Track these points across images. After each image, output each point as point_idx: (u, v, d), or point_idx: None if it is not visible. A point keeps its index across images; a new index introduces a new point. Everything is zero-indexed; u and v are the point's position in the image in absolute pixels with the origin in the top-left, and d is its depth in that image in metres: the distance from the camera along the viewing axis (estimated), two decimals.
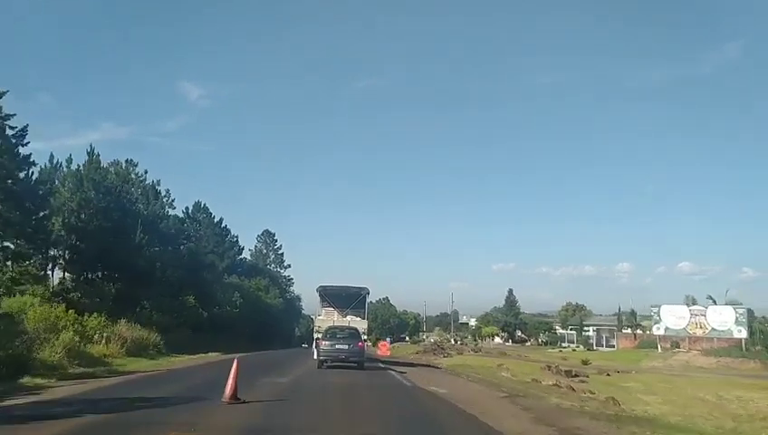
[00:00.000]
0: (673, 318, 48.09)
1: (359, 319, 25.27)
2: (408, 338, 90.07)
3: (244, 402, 9.03)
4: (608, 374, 26.75)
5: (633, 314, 60.86)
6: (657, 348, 47.30)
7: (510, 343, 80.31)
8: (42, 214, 29.75)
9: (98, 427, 7.31)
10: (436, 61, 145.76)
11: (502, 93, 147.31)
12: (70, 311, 22.03)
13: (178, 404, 8.84)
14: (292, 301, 76.08)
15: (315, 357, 22.06)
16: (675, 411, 13.59)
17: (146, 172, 42.04)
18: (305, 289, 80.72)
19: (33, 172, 29.30)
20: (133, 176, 42.24)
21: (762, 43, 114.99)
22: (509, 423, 8.56)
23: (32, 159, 28.11)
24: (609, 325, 66.90)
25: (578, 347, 59.46)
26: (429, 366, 29.32)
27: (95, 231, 32.09)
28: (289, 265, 78.80)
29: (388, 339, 60.40)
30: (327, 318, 25.80)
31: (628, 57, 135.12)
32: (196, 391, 10.92)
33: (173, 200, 44.85)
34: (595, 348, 57.05)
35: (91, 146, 35.28)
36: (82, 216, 32.79)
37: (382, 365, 25.48)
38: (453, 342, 74.71)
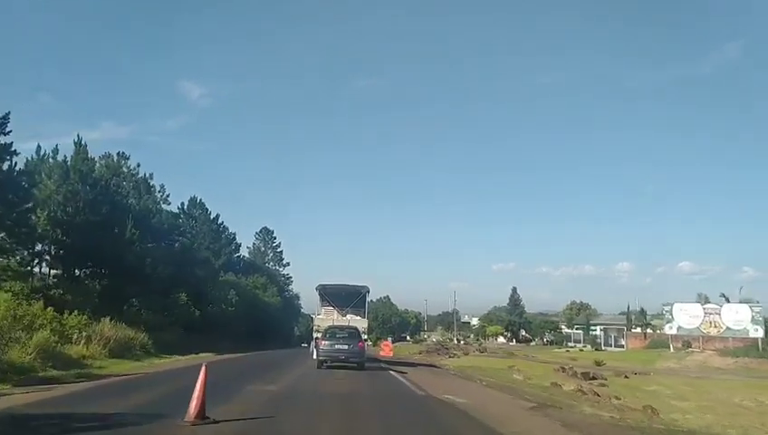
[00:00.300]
0: (686, 317, 46.24)
1: (359, 318, 24.82)
2: (408, 337, 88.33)
3: (213, 422, 6.97)
4: (626, 376, 25.06)
5: (643, 312, 58.98)
6: (669, 348, 45.56)
7: (514, 343, 78.63)
8: (25, 207, 28.19)
9: None
10: (437, 60, 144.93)
11: (502, 93, 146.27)
12: (48, 308, 20.56)
13: (129, 425, 6.97)
14: (290, 299, 74.39)
15: (314, 357, 21.59)
16: (722, 422, 11.93)
17: (138, 166, 40.40)
18: (304, 288, 79.45)
19: (15, 163, 27.84)
20: (125, 169, 40.64)
21: (761, 43, 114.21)
22: None
23: (13, 149, 26.53)
24: (617, 324, 65.05)
25: (585, 347, 57.74)
26: (434, 367, 27.75)
27: (82, 225, 30.35)
28: (288, 264, 77.28)
29: (389, 338, 58.77)
30: (326, 317, 25.27)
31: (628, 57, 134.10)
32: (163, 403, 9.10)
33: (168, 196, 43.24)
34: (603, 348, 55.31)
35: (78, 136, 33.45)
36: (69, 209, 31.07)
37: (386, 367, 24.02)
38: (456, 341, 73.05)
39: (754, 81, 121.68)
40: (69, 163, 32.56)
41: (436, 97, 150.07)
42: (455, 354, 38.68)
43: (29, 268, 30.43)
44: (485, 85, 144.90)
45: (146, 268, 32.78)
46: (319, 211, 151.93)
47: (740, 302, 47.31)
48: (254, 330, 47.95)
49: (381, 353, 30.53)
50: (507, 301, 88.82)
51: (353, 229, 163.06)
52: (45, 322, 19.50)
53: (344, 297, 25.29)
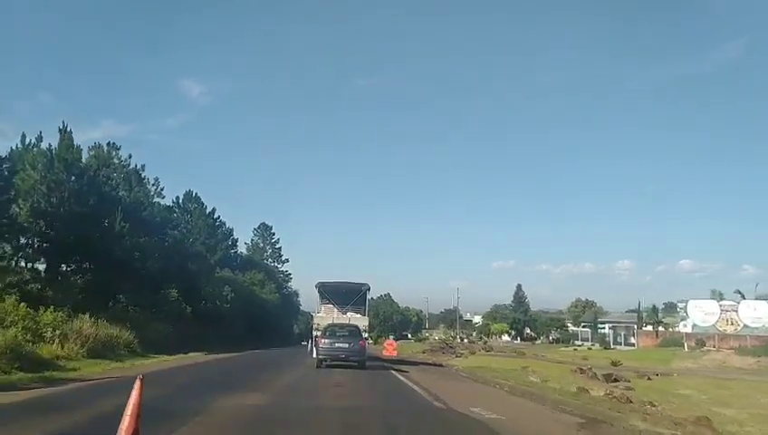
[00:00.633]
0: (701, 314, 44.34)
1: (359, 316, 24.50)
2: (410, 335, 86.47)
3: None
4: (648, 378, 23.23)
5: (654, 310, 57.06)
6: (682, 347, 43.64)
7: (518, 341, 76.81)
8: (6, 196, 26.48)
9: None
10: (437, 60, 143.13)
11: (502, 92, 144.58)
12: (21, 305, 18.83)
13: None
14: (289, 296, 72.63)
15: (314, 356, 21.25)
16: None
17: (130, 157, 38.54)
18: (304, 285, 78.11)
19: None
20: (116, 161, 38.82)
21: (763, 42, 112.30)
22: None
23: None
24: (625, 322, 63.11)
25: (593, 345, 55.90)
26: (441, 366, 26.07)
27: (66, 216, 28.57)
28: (287, 260, 75.53)
29: (391, 336, 56.97)
30: (326, 315, 24.92)
31: (628, 57, 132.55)
32: (99, 427, 6.59)
33: (162, 189, 41.33)
34: (613, 346, 53.43)
35: (63, 123, 31.63)
36: (53, 199, 29.28)
37: (388, 366, 22.27)
38: (459, 340, 71.27)
39: (755, 79, 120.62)
40: (53, 151, 30.85)
41: (436, 96, 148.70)
42: (461, 354, 36.88)
43: (12, 262, 28.79)
44: (485, 84, 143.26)
45: (135, 262, 31.00)
46: (319, 208, 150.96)
47: (756, 299, 45.47)
48: (251, 327, 46.19)
49: (385, 353, 28.73)
50: (511, 298, 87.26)
51: (353, 226, 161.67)
52: (17, 319, 17.90)
53: (344, 295, 24.91)
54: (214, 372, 16.45)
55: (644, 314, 59.37)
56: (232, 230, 57.52)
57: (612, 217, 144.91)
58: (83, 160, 32.72)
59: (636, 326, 58.42)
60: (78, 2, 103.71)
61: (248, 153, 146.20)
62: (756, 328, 42.07)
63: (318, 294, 25.58)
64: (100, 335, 20.70)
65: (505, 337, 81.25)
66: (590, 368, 23.69)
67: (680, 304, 46.71)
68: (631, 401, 13.84)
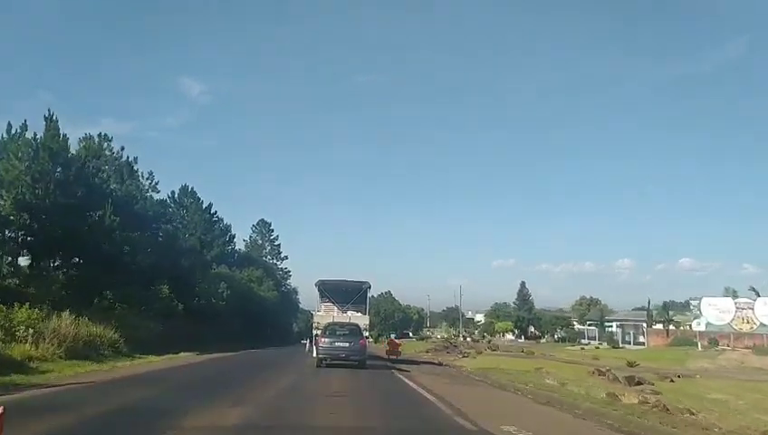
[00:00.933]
0: (715, 312, 42.75)
1: (360, 315, 24.10)
2: (411, 334, 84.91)
3: None
4: (671, 380, 21.72)
5: (665, 308, 55.38)
6: (695, 345, 42.02)
7: (522, 340, 75.22)
8: None
9: None
10: (437, 59, 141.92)
11: (502, 92, 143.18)
12: None
13: None
14: (288, 294, 71.08)
15: (314, 355, 20.94)
16: None
17: (122, 149, 37.01)
18: (303, 283, 76.75)
19: None
20: (108, 153, 37.26)
21: (763, 41, 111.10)
22: None
23: None
24: (633, 320, 61.47)
25: (601, 344, 54.32)
26: (448, 367, 24.57)
27: (51, 208, 27.01)
28: (286, 257, 74.01)
29: (392, 335, 55.49)
30: (326, 314, 24.67)
31: (628, 57, 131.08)
32: None
33: (157, 183, 39.82)
34: (621, 345, 51.83)
35: (49, 111, 30.03)
36: (38, 191, 27.73)
37: (392, 367, 20.92)
38: (462, 338, 69.73)
39: (755, 79, 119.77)
40: (38, 140, 29.28)
41: (435, 95, 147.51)
42: (467, 353, 35.33)
43: None
44: (485, 84, 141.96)
45: (124, 257, 29.44)
46: (319, 206, 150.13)
47: None
48: (248, 325, 44.66)
49: (390, 355, 27.04)
50: (512, 297, 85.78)
51: (353, 224, 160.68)
52: None
53: (344, 293, 24.61)
54: (197, 376, 14.86)
55: (654, 313, 57.75)
56: (229, 226, 56.11)
57: (612, 216, 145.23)
58: (74, 151, 31.24)
59: (645, 325, 56.79)
60: (78, 1, 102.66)
61: (248, 151, 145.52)
62: None
63: (318, 293, 25.26)
64: (80, 334, 19.16)
65: (509, 336, 79.65)
66: (609, 369, 22.15)
67: (693, 302, 45.12)
68: (668, 410, 12.31)
